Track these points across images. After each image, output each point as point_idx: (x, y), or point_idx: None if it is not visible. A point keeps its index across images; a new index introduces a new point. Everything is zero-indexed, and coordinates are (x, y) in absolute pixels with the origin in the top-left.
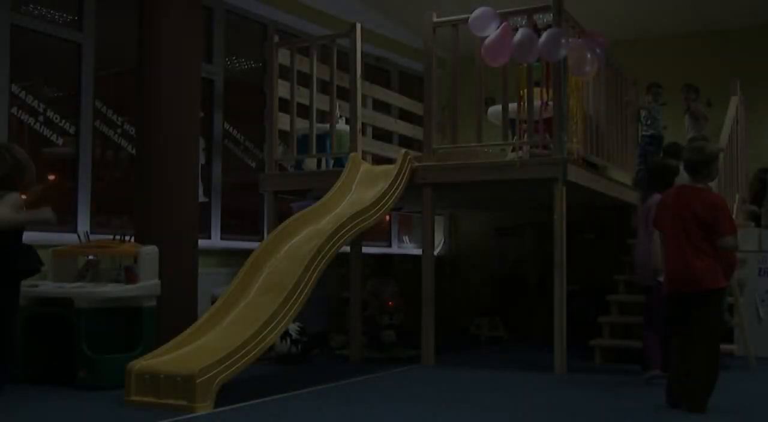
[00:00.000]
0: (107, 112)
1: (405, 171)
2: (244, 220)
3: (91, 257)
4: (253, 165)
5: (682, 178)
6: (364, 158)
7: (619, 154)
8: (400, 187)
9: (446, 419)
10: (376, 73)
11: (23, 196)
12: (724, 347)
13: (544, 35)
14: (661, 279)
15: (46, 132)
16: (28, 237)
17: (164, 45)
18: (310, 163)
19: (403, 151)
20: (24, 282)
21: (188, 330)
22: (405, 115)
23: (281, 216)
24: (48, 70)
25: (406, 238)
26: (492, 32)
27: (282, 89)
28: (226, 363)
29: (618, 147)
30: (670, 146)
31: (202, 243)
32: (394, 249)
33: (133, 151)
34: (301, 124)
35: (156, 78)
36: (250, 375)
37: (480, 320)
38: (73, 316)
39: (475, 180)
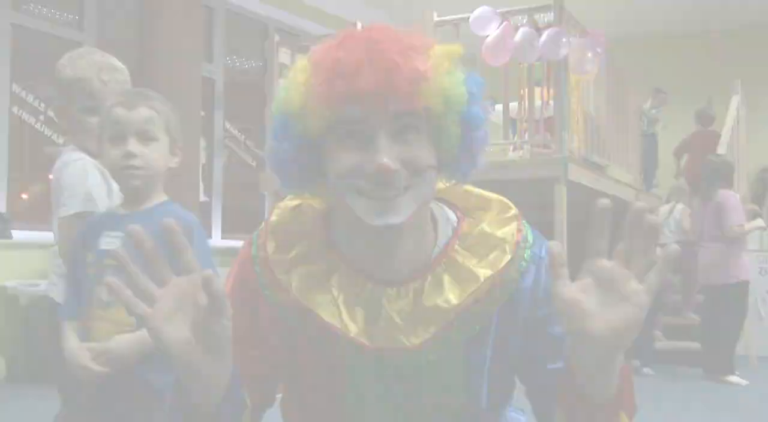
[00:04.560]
0: None
1: None
2: (244, 220)
3: None
4: (254, 164)
5: None
6: None
7: (620, 153)
8: None
9: None
10: None
11: None
12: None
13: (545, 34)
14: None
15: (47, 131)
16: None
17: (164, 45)
18: None
19: None
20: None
21: None
22: None
23: None
24: (49, 69)
25: None
26: (493, 32)
27: None
28: None
29: (619, 146)
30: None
31: None
32: None
33: None
34: None
35: (156, 78)
36: None
37: None
38: None
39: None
